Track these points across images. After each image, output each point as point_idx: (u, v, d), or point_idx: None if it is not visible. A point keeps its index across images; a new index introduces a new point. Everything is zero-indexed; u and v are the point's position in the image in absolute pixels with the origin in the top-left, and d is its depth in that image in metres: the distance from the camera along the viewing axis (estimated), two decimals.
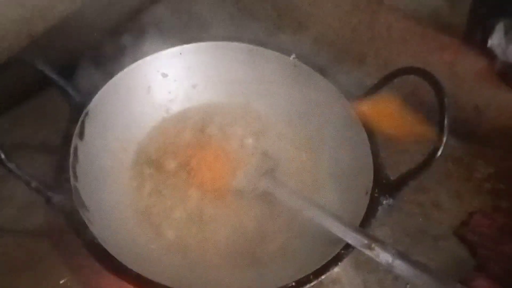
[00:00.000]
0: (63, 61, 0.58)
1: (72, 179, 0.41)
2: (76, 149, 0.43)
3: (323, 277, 0.38)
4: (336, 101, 0.50)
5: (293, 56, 0.53)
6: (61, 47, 0.63)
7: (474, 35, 0.53)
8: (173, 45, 0.53)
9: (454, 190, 0.57)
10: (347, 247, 0.40)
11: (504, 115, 0.58)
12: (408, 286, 0.47)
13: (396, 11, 0.59)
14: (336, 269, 0.45)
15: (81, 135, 0.44)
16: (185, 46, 0.53)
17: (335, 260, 0.39)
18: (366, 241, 0.39)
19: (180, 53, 0.53)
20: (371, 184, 0.44)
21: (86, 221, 0.39)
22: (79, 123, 0.45)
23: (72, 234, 0.39)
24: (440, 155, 0.59)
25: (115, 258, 0.37)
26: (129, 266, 0.37)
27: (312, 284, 0.38)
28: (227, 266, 0.43)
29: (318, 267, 0.38)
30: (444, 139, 0.39)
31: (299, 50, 0.57)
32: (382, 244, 0.39)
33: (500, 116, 0.58)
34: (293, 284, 0.37)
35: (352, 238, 0.40)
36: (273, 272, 0.42)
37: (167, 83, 0.54)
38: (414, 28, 0.59)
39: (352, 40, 0.66)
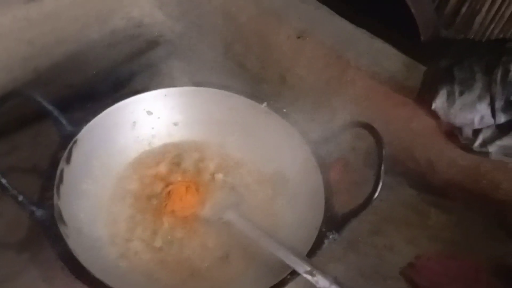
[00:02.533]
0: (62, 95, 0.65)
1: (55, 197, 0.46)
2: (62, 172, 0.49)
3: None
4: (299, 147, 0.56)
5: (264, 104, 0.60)
6: (61, 82, 0.70)
7: (424, 97, 0.60)
8: (160, 87, 0.60)
9: (407, 234, 0.62)
10: (293, 273, 0.45)
11: (454, 168, 0.64)
12: None
13: (361, 71, 0.67)
14: None
15: (68, 160, 0.50)
16: (170, 89, 0.60)
17: (281, 284, 0.44)
18: (309, 268, 0.44)
19: (165, 95, 0.60)
20: (320, 221, 0.49)
21: (64, 235, 0.44)
22: (68, 149, 0.50)
23: (49, 249, 0.44)
24: (398, 199, 0.65)
25: (86, 269, 0.42)
26: (100, 278, 0.42)
27: None
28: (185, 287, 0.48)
29: None
30: (380, 183, 0.45)
31: (278, 98, 0.64)
32: (322, 271, 0.44)
33: (451, 169, 0.64)
34: None
35: (298, 265, 0.45)
36: None
37: (151, 119, 0.60)
38: (376, 87, 0.66)
39: (324, 93, 0.73)
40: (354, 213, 0.47)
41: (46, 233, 0.44)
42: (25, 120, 0.64)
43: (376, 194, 0.45)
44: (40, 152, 0.61)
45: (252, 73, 0.79)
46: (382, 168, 0.46)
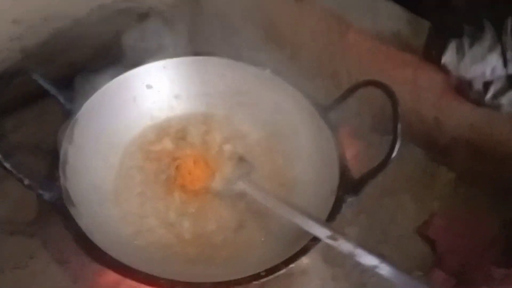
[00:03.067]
0: (61, 74, 0.62)
1: (61, 178, 0.44)
2: (66, 151, 0.47)
3: (292, 265, 0.42)
4: (307, 111, 0.55)
5: (268, 70, 0.58)
6: (52, 62, 0.67)
7: (431, 53, 0.58)
8: (158, 59, 0.57)
9: (416, 194, 0.62)
10: (314, 239, 0.44)
11: (462, 125, 0.63)
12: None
13: (363, 33, 0.65)
14: (305, 261, 0.49)
15: (71, 139, 0.48)
16: (169, 60, 0.58)
17: (303, 251, 0.43)
18: (330, 233, 0.43)
19: (164, 67, 0.58)
20: (336, 184, 0.48)
21: (75, 217, 0.42)
22: (69, 128, 0.48)
23: (61, 230, 0.43)
24: (406, 160, 0.64)
25: (101, 249, 0.41)
26: (115, 256, 0.40)
27: (281, 272, 0.42)
28: (203, 260, 0.47)
29: (288, 256, 0.42)
30: (398, 143, 0.44)
31: (276, 65, 0.62)
32: (345, 235, 0.43)
33: (459, 126, 0.63)
34: (264, 273, 0.41)
35: (318, 231, 0.44)
36: (246, 264, 0.46)
37: (151, 94, 0.58)
38: (380, 48, 0.64)
39: (325, 59, 0.72)
40: (372, 174, 0.46)
41: (57, 215, 0.42)
42: (29, 98, 0.63)
43: (394, 154, 0.44)
44: (45, 129, 0.60)
45: (250, 41, 0.77)
46: (399, 126, 0.44)
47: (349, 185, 0.48)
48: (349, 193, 0.47)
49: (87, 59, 0.66)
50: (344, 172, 0.49)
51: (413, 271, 0.51)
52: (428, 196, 0.62)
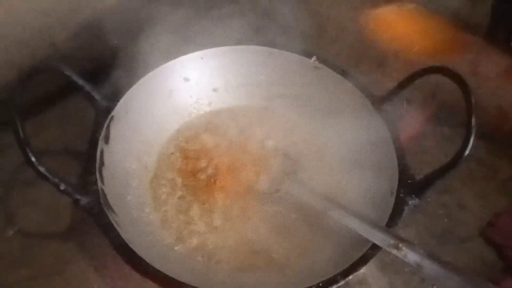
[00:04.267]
0: (88, 68, 0.59)
1: (99, 182, 0.41)
2: (102, 153, 0.44)
3: (350, 277, 0.38)
4: (358, 103, 0.50)
5: (314, 58, 0.53)
6: (82, 55, 0.64)
7: (497, 34, 0.52)
8: (195, 49, 0.53)
9: (478, 190, 0.57)
10: (374, 247, 0.39)
11: None
12: (434, 287, 0.46)
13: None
14: (362, 270, 0.45)
15: (107, 139, 0.45)
16: (206, 50, 0.54)
17: (362, 261, 0.39)
18: (393, 241, 0.38)
19: (202, 58, 0.54)
20: (396, 185, 0.43)
21: (114, 223, 0.39)
22: (105, 127, 0.45)
23: (97, 236, 0.40)
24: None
25: (142, 259, 0.37)
26: (156, 266, 0.37)
27: (339, 284, 0.37)
28: (250, 268, 0.43)
29: (345, 267, 0.38)
30: (472, 139, 0.39)
31: (319, 52, 0.57)
32: (410, 244, 0.38)
33: None
34: (320, 284, 0.37)
35: (378, 238, 0.39)
36: (298, 273, 0.42)
37: (188, 87, 0.54)
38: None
39: (371, 42, 0.66)
40: (439, 174, 0.41)
41: (96, 222, 0.39)
42: (49, 98, 0.60)
43: (467, 151, 0.39)
44: (70, 132, 0.57)
45: (285, 27, 0.72)
46: (473, 120, 0.39)
47: (411, 186, 0.43)
48: (411, 195, 0.42)
49: (118, 52, 0.63)
50: (404, 171, 0.44)
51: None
52: (491, 193, 0.56)
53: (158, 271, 0.37)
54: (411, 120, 0.56)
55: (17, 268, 0.46)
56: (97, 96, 0.46)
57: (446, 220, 0.54)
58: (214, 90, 0.56)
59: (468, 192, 0.56)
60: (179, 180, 0.49)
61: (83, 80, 0.45)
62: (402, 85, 0.47)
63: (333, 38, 0.69)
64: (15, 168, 0.53)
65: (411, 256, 0.38)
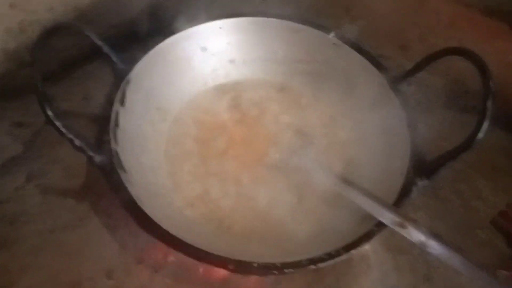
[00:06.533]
0: (108, 35, 0.60)
1: (112, 142, 0.42)
2: (117, 114, 0.44)
3: (353, 252, 0.38)
4: (375, 81, 0.49)
5: (332, 34, 0.53)
6: (105, 22, 0.64)
7: None
8: (214, 19, 0.53)
9: (495, 181, 0.56)
10: (379, 224, 0.39)
11: None
12: None
13: None
14: (366, 248, 0.45)
15: (122, 101, 0.46)
16: (226, 20, 0.53)
17: (366, 237, 0.39)
18: (398, 220, 0.38)
19: (220, 28, 0.54)
20: (406, 165, 0.43)
21: (125, 182, 0.40)
22: (121, 90, 0.46)
23: (110, 196, 0.41)
24: (486, 144, 0.57)
25: (151, 218, 0.38)
26: (165, 227, 0.38)
27: (341, 258, 0.38)
28: (259, 236, 0.44)
29: (349, 242, 0.38)
30: (486, 122, 0.38)
31: (339, 29, 0.56)
32: (415, 223, 0.38)
33: None
34: (323, 257, 0.38)
35: (384, 215, 0.39)
36: (304, 244, 0.42)
37: (205, 57, 0.54)
38: (464, 13, 0.57)
39: (396, 25, 0.65)
40: (451, 156, 0.40)
41: (107, 179, 0.40)
42: (73, 61, 0.61)
43: (481, 135, 0.38)
44: (93, 94, 0.58)
45: (308, 4, 0.71)
46: (489, 103, 0.38)
47: (422, 167, 0.42)
48: (421, 176, 0.42)
49: (139, 18, 0.64)
50: (416, 152, 0.43)
51: (491, 268, 0.45)
52: (510, 184, 0.55)
53: (166, 231, 0.38)
54: (428, 102, 0.55)
55: (36, 221, 0.47)
56: (115, 59, 0.47)
57: (460, 208, 0.53)
58: (231, 61, 0.56)
59: (487, 182, 0.55)
60: (193, 148, 0.50)
61: (102, 42, 0.46)
62: (420, 66, 0.47)
63: (359, 20, 0.68)
64: (39, 127, 0.54)
65: (415, 235, 0.37)
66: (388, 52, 0.64)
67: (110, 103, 0.45)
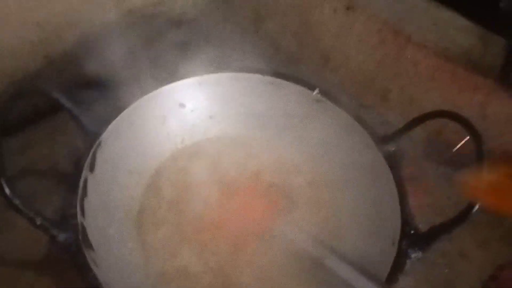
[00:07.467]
0: (78, 85, 0.57)
1: (79, 215, 0.38)
2: (85, 182, 0.41)
3: None
4: (362, 141, 0.48)
5: (316, 91, 0.51)
6: (76, 71, 0.61)
7: (510, 77, 0.50)
8: (193, 75, 0.51)
9: (481, 238, 0.54)
10: None
11: None
12: None
13: (425, 48, 0.57)
14: None
15: (92, 167, 0.42)
16: (205, 76, 0.51)
17: None
18: None
19: (200, 83, 0.51)
20: (398, 234, 0.40)
21: (91, 263, 0.36)
22: (91, 154, 0.42)
23: (75, 274, 0.37)
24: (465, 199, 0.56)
25: None
26: None
27: None
28: None
29: None
30: None
31: (320, 83, 0.55)
32: None
33: None
34: None
35: None
36: None
37: (183, 113, 0.52)
38: (444, 66, 0.56)
39: (376, 75, 0.64)
40: (447, 228, 0.38)
41: (72, 261, 0.36)
42: (39, 113, 0.57)
43: (478, 205, 0.36)
44: (57, 151, 0.54)
45: (288, 54, 0.70)
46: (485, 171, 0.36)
47: (415, 238, 0.40)
48: (414, 248, 0.39)
49: (114, 71, 0.61)
50: (407, 220, 0.41)
51: None
52: (490, 239, 0.53)
53: None
54: (414, 160, 0.53)
55: None
56: (85, 121, 0.43)
57: (446, 270, 0.51)
58: (210, 117, 0.53)
59: (471, 240, 0.54)
60: (167, 214, 0.46)
61: (70, 103, 0.42)
62: (407, 127, 0.45)
63: (336, 68, 0.67)
64: None
65: None
66: (369, 101, 0.64)
67: (78, 169, 0.41)
